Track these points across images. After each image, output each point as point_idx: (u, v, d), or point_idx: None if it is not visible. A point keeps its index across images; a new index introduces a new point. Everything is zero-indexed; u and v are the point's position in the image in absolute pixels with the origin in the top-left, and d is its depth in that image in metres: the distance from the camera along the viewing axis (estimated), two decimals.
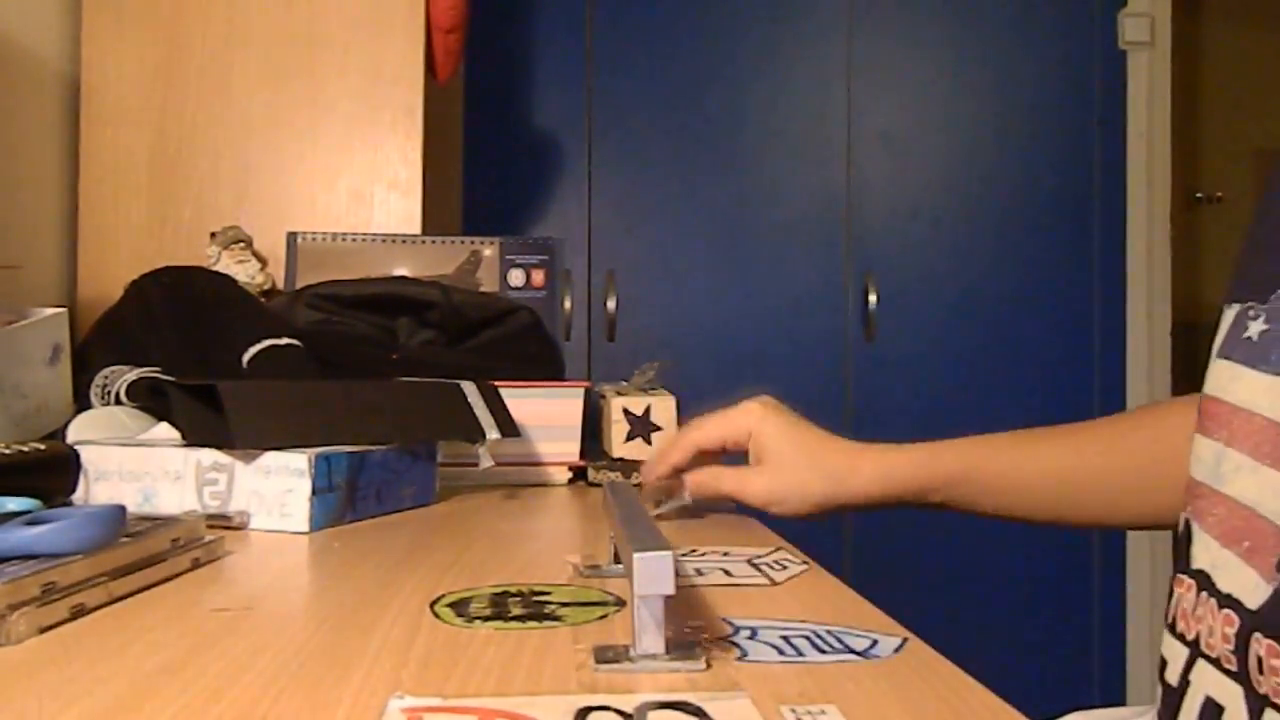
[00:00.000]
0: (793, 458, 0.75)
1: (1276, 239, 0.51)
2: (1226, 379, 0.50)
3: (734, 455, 0.80)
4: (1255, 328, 0.48)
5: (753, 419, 0.78)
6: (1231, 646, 0.45)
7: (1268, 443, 0.45)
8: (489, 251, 1.33)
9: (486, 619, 0.47)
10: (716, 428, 0.79)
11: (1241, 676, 0.45)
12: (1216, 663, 0.46)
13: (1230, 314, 0.51)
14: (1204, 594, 0.48)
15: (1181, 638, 0.50)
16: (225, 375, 0.93)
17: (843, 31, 2.49)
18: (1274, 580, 0.43)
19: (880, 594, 0.53)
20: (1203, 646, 0.48)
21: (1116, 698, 2.42)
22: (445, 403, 0.92)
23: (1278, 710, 0.42)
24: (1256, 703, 0.43)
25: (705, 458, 0.80)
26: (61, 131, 1.41)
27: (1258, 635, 0.43)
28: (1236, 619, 0.45)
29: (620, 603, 0.51)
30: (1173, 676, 0.50)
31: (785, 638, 0.45)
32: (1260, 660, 0.43)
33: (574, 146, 2.45)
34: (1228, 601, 0.46)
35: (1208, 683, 0.47)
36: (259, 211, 1.41)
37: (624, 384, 1.11)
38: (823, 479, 0.74)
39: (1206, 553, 0.48)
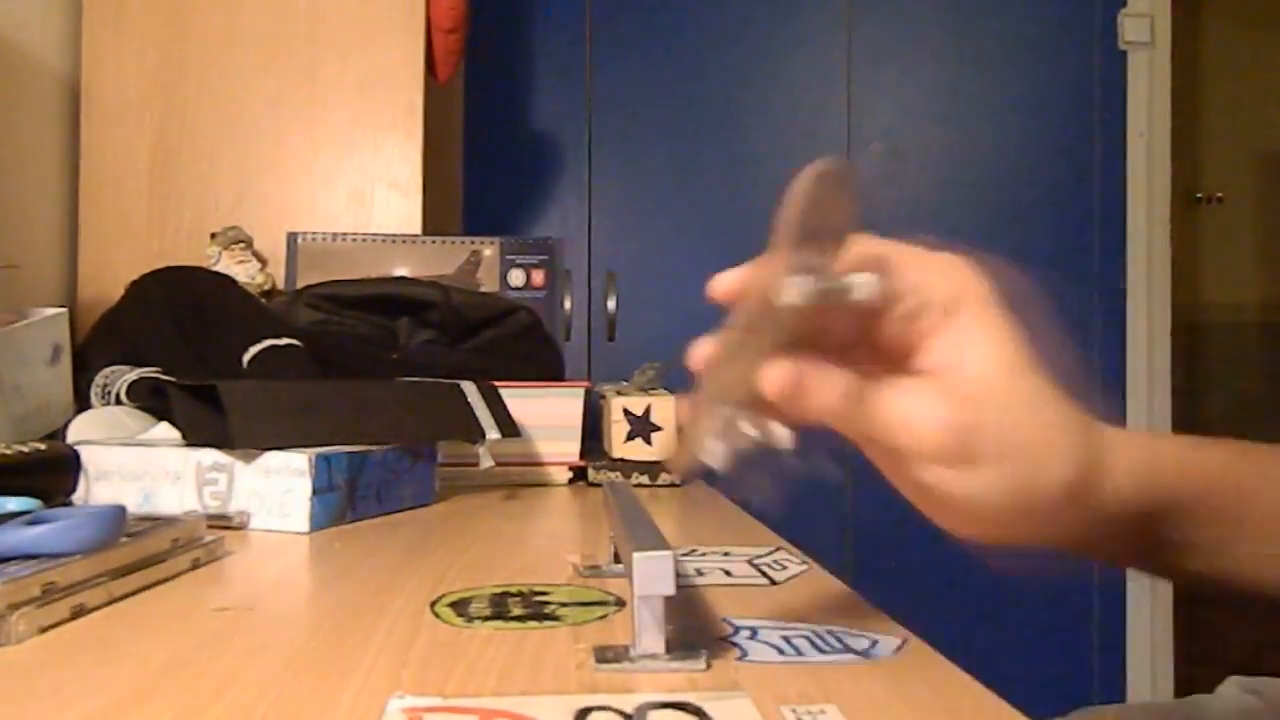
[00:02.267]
0: (1024, 384, 0.39)
1: None
2: None
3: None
4: None
5: (967, 289, 0.40)
6: None
7: None
8: (489, 251, 1.33)
9: (487, 619, 0.47)
10: (915, 271, 0.40)
11: None
12: None
13: None
14: None
15: None
16: (225, 375, 0.93)
17: (842, 31, 2.49)
18: None
19: (880, 594, 0.53)
20: None
21: (1116, 698, 2.42)
22: (445, 403, 0.92)
23: None
24: None
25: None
26: (61, 131, 1.41)
27: None
28: None
29: (620, 603, 0.51)
30: None
31: (785, 638, 0.45)
32: None
33: (574, 146, 2.45)
34: None
35: None
36: (259, 212, 1.41)
37: (624, 384, 1.11)
38: (1074, 434, 0.40)
39: None
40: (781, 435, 0.39)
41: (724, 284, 0.41)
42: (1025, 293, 0.41)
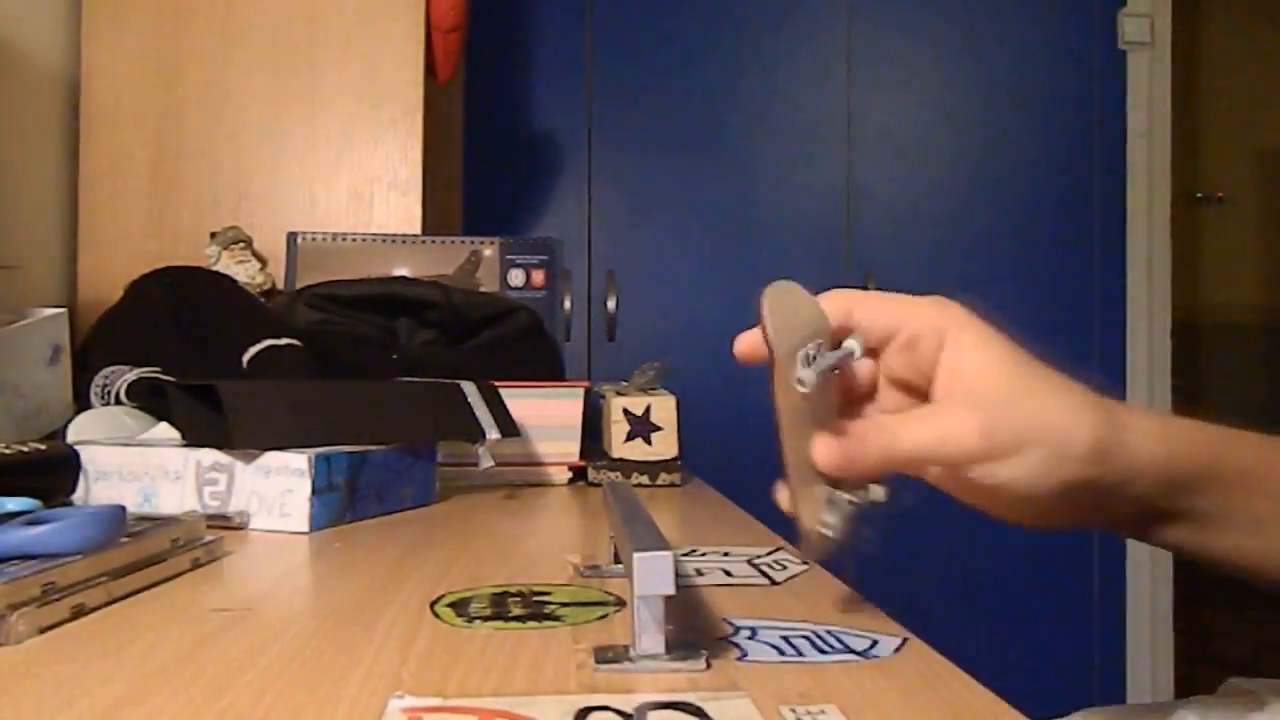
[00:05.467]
0: (1029, 382, 0.45)
1: None
2: None
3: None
4: None
5: (950, 315, 0.46)
6: None
7: None
8: (489, 251, 1.33)
9: (486, 619, 0.47)
10: (889, 307, 0.46)
11: None
12: None
13: None
14: None
15: None
16: (225, 375, 0.93)
17: (842, 31, 2.49)
18: None
19: (880, 594, 0.53)
20: None
21: (1116, 698, 2.42)
22: (445, 403, 0.92)
23: None
24: None
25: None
26: (61, 131, 1.41)
27: None
28: None
29: (620, 603, 0.51)
30: None
31: (785, 638, 0.45)
32: None
33: (574, 146, 2.45)
34: None
35: None
36: (259, 211, 1.41)
37: (624, 384, 1.11)
38: (1091, 413, 0.44)
39: None
40: (876, 491, 0.45)
41: (742, 344, 0.48)
42: (993, 318, 0.47)
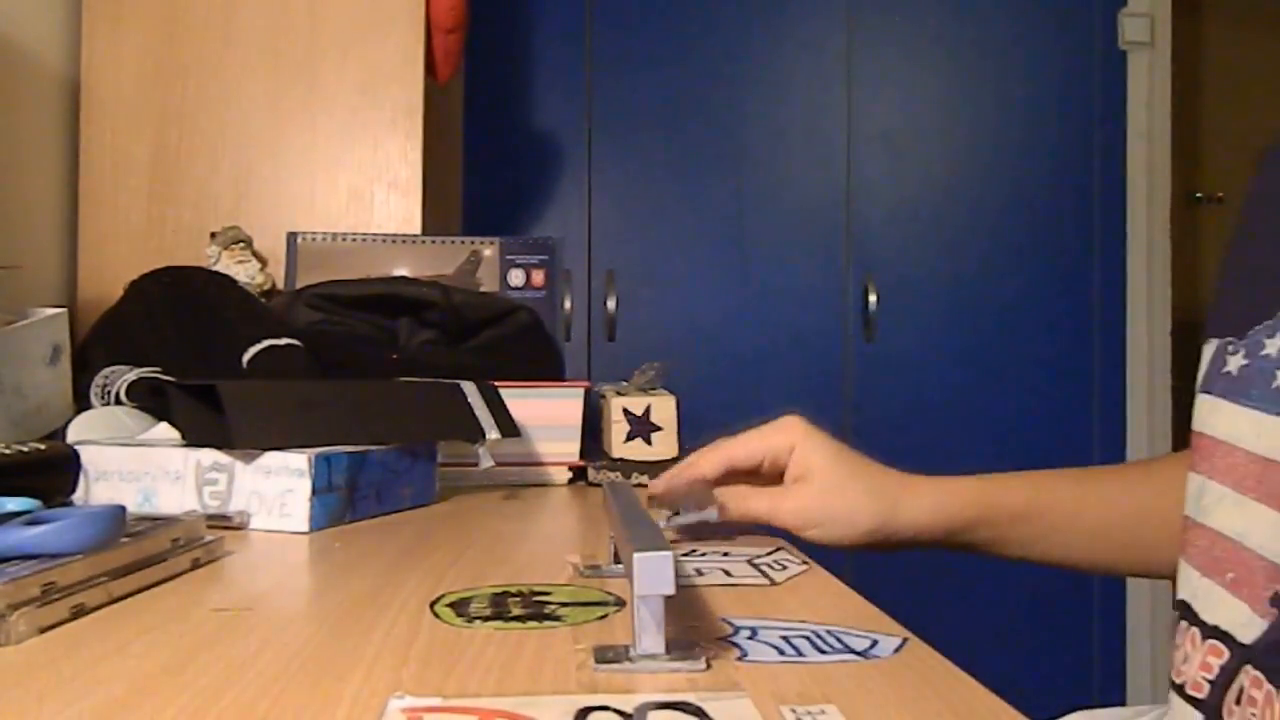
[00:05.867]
0: (839, 478, 0.68)
1: (1249, 273, 0.51)
2: (1208, 413, 0.50)
3: (768, 479, 0.73)
4: (1234, 363, 0.49)
5: (796, 434, 0.70)
6: (1211, 676, 0.45)
7: (1250, 476, 0.45)
8: (489, 251, 1.33)
9: (486, 619, 0.47)
10: (754, 442, 0.71)
11: (1210, 706, 0.45)
12: (1181, 689, 0.46)
13: (1210, 349, 0.51)
14: (1183, 623, 0.48)
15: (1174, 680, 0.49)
16: (225, 375, 0.93)
17: (842, 32, 2.49)
18: (1268, 615, 0.43)
19: (880, 594, 0.53)
20: (1173, 674, 0.48)
21: (1116, 698, 2.42)
22: (445, 403, 0.92)
23: None
24: None
25: (735, 477, 0.72)
26: (61, 131, 1.41)
27: (1247, 668, 0.43)
28: (1226, 651, 0.45)
29: (620, 603, 0.51)
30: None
31: (785, 638, 0.45)
32: (1241, 691, 0.43)
33: (574, 146, 2.45)
34: (1214, 633, 0.46)
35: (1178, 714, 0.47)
36: (259, 211, 1.41)
37: (624, 384, 1.11)
38: (874, 501, 0.67)
39: (1187, 584, 0.48)
40: (710, 513, 0.70)
41: (656, 489, 0.75)
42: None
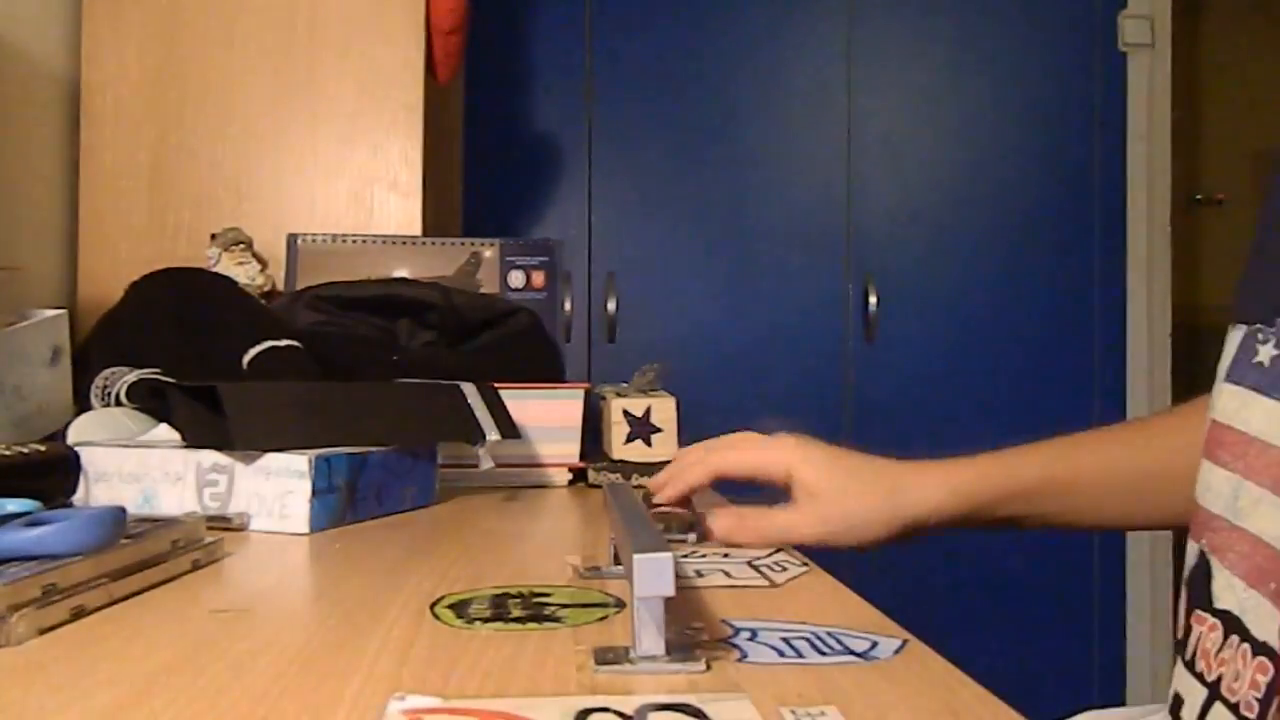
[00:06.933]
0: (845, 483, 0.68)
1: (1278, 258, 0.49)
2: (1237, 406, 0.47)
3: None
4: (1265, 352, 0.46)
5: (793, 454, 0.70)
6: (1260, 694, 0.43)
7: None
8: (489, 253, 1.33)
9: (486, 620, 0.47)
10: (749, 459, 0.71)
11: None
12: (1235, 709, 0.44)
13: (1237, 335, 0.49)
14: (1234, 637, 0.45)
15: (1201, 677, 0.47)
16: (225, 377, 0.93)
17: (842, 33, 2.49)
18: None
19: (880, 595, 0.53)
20: (1223, 690, 0.45)
21: (1116, 698, 2.42)
22: (445, 404, 0.92)
23: None
24: None
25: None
26: (61, 131, 1.41)
27: None
28: (1271, 668, 0.42)
29: (620, 604, 0.51)
30: (1190, 715, 0.48)
31: (785, 639, 0.45)
32: None
33: (574, 146, 2.45)
34: (1263, 649, 0.43)
35: None
36: (259, 213, 1.41)
37: (624, 385, 1.11)
38: (885, 495, 0.68)
39: (1231, 593, 0.46)
40: (692, 538, 0.70)
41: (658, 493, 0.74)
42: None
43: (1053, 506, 0.69)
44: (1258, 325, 0.47)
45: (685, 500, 0.74)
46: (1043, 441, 0.70)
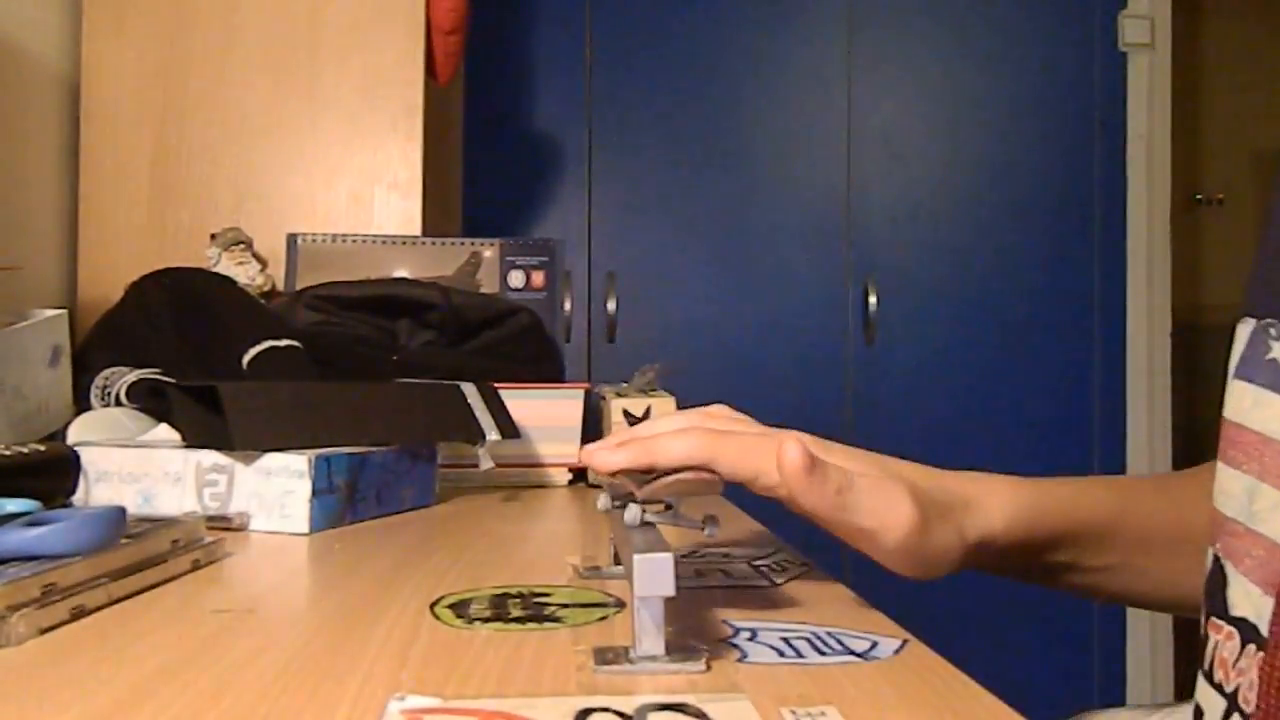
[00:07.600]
0: (899, 485, 0.51)
1: None
2: (1249, 404, 0.45)
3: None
4: (1278, 349, 0.44)
5: (798, 440, 0.54)
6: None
7: None
8: (489, 253, 1.33)
9: (486, 620, 0.47)
10: (749, 460, 0.52)
11: None
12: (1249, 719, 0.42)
13: (1246, 330, 0.47)
14: (1251, 646, 0.43)
15: (1219, 688, 0.45)
16: (225, 376, 0.93)
17: (843, 32, 2.49)
18: None
19: (880, 595, 0.53)
20: (1240, 701, 0.43)
21: (1116, 698, 2.42)
22: (445, 404, 0.92)
23: None
24: None
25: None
26: (61, 131, 1.41)
27: None
28: None
29: (620, 604, 0.51)
30: None
31: (785, 639, 0.45)
32: None
33: (574, 146, 2.45)
34: None
35: None
36: (259, 212, 1.41)
37: (624, 385, 1.11)
38: (903, 504, 0.51)
39: (1247, 600, 0.44)
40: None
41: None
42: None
43: (1136, 559, 0.57)
44: (1269, 320, 0.46)
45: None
46: (1100, 476, 0.59)
